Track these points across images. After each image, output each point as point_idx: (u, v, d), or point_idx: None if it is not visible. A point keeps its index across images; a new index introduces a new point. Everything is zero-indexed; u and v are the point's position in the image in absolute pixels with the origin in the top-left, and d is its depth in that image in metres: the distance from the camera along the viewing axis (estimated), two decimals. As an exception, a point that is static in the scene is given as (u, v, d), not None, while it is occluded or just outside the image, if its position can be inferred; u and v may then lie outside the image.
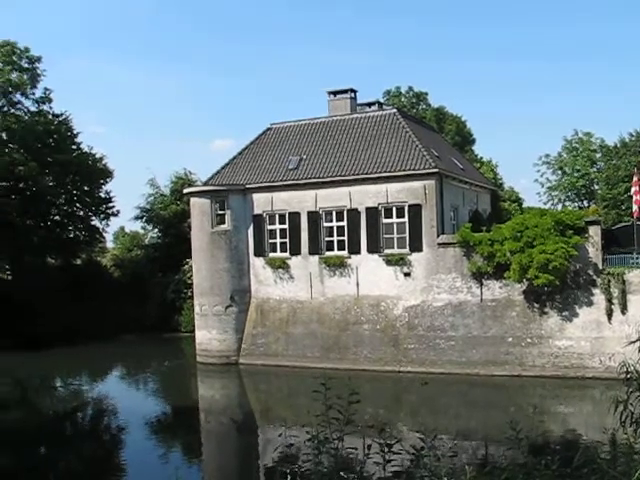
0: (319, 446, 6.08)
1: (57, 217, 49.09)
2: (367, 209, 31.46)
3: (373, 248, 31.33)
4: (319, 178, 32.59)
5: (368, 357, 30.65)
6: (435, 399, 26.16)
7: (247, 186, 33.93)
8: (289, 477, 6.38)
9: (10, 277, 45.82)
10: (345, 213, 32.00)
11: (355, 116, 35.66)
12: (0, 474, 16.95)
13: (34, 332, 38.22)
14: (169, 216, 48.99)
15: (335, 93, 37.87)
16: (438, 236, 30.23)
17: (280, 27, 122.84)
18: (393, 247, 31.09)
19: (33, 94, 45.29)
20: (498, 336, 28.55)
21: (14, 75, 43.48)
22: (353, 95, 37.72)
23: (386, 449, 5.97)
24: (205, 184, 36.47)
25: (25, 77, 43.89)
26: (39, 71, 44.95)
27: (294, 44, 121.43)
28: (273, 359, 32.64)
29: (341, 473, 5.99)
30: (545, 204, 60.31)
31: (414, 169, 30.60)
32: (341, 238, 32.23)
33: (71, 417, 27.33)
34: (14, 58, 43.54)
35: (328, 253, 32.38)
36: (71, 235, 49.71)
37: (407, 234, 30.72)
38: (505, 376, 27.76)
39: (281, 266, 33.27)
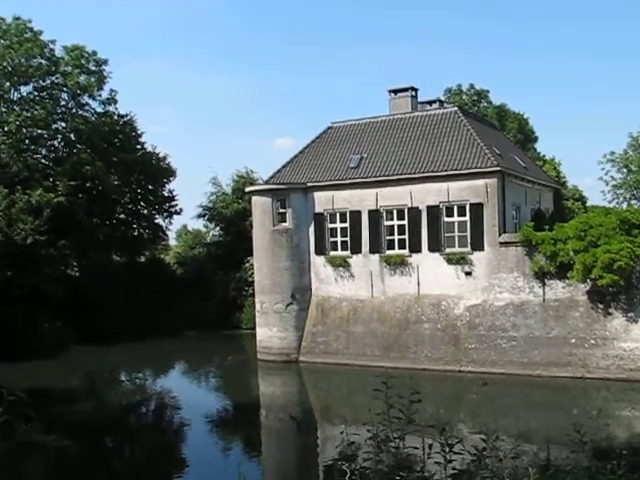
0: (380, 445, 6.13)
1: (122, 215, 50.12)
2: (428, 207, 31.25)
3: (434, 247, 31.12)
4: (380, 177, 32.54)
5: (428, 356, 30.48)
6: (496, 400, 25.88)
7: (308, 185, 34.11)
8: (349, 475, 6.43)
9: (77, 274, 46.98)
10: (406, 212, 31.88)
11: (416, 114, 35.48)
12: (67, 463, 17.50)
13: (101, 327, 39.30)
14: (231, 214, 49.56)
15: (396, 91, 37.65)
16: (500, 235, 29.87)
17: (343, 26, 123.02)
18: (454, 246, 30.84)
19: (100, 95, 46.39)
20: (561, 337, 28.05)
21: (82, 78, 44.54)
22: (414, 93, 37.42)
23: (447, 449, 5.99)
24: (266, 183, 36.75)
25: (92, 79, 44.95)
26: (105, 73, 46.04)
27: (356, 43, 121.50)
28: (333, 357, 32.75)
29: (401, 472, 6.03)
30: (610, 203, 58.55)
31: (476, 167, 30.29)
32: (402, 237, 32.10)
33: (136, 410, 27.98)
34: (82, 61, 44.66)
35: (389, 252, 32.30)
36: (135, 233, 50.67)
37: (468, 233, 30.45)
38: (568, 378, 27.21)
39: (342, 264, 33.35)
